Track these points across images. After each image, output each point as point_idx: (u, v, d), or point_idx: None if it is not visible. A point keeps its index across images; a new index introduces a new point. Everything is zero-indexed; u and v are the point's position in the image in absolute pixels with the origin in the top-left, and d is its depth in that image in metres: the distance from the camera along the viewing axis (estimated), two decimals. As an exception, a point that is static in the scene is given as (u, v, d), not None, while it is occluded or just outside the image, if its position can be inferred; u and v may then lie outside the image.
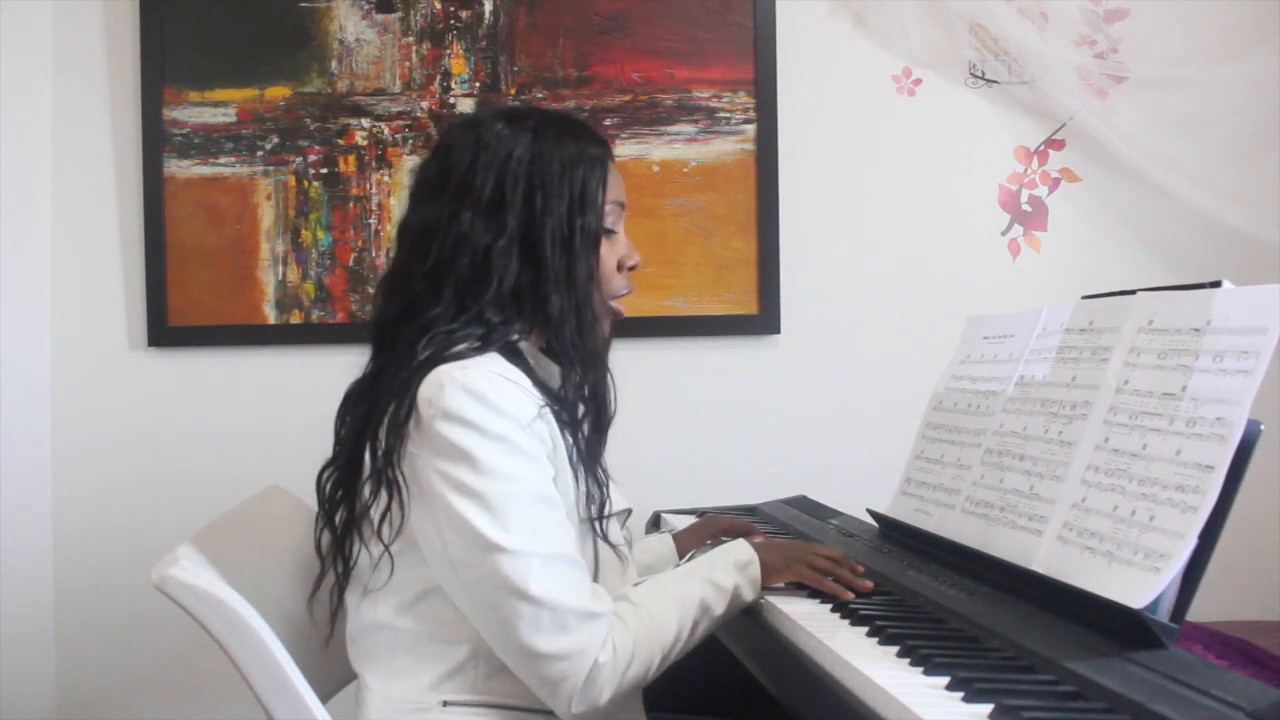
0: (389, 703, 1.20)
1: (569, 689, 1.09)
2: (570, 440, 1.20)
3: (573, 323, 1.21)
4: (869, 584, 1.27)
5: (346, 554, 1.22)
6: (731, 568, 1.26)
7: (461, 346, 1.17)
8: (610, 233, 1.27)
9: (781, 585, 1.31)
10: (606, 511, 1.24)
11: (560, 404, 1.20)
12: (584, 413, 1.23)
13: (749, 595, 1.27)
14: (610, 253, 1.28)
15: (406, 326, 1.20)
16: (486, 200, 1.20)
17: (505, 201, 1.20)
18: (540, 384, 1.20)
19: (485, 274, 1.19)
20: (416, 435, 1.13)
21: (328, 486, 1.24)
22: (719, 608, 1.23)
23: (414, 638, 1.19)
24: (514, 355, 1.21)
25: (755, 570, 1.28)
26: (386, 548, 1.17)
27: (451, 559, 1.12)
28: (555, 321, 1.21)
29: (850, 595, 1.24)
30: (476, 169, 1.21)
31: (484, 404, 1.11)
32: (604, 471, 1.27)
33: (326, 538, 1.24)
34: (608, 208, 1.26)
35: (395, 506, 1.15)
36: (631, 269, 1.31)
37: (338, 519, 1.22)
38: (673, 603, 1.19)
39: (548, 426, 1.17)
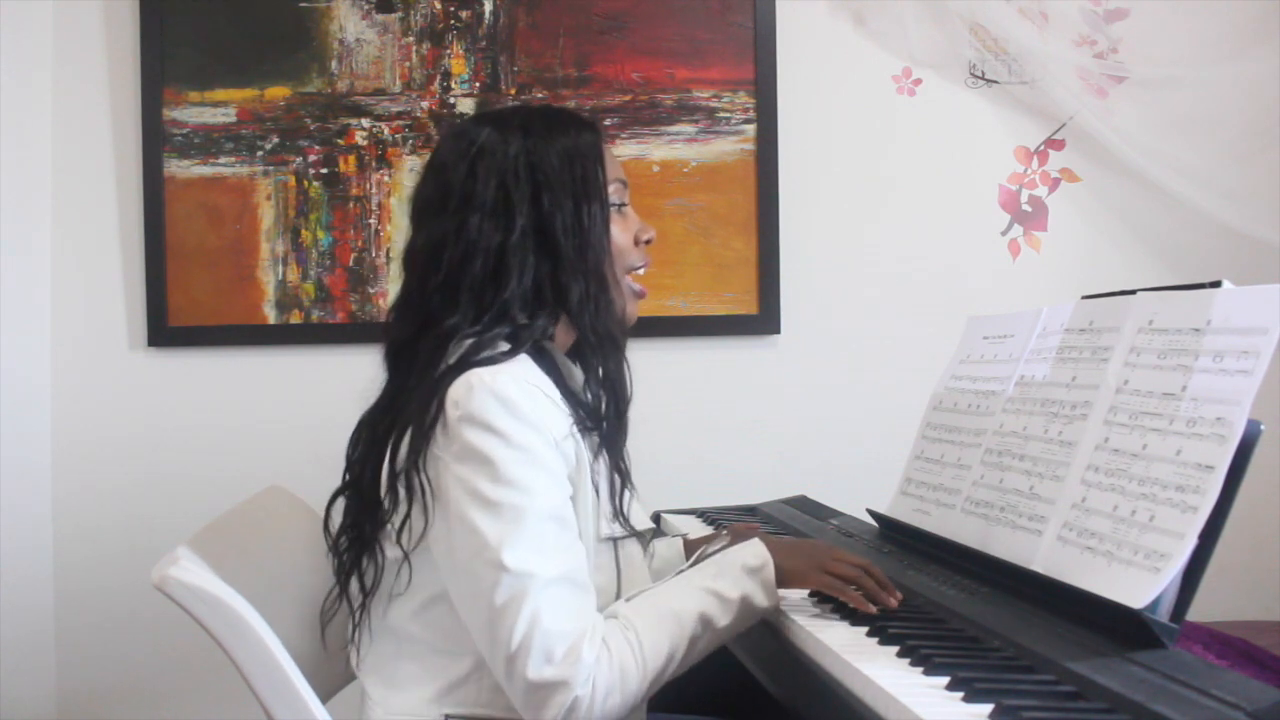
0: (390, 714, 1.19)
1: (549, 715, 1.07)
2: (594, 450, 1.19)
3: (592, 309, 1.21)
4: (894, 600, 1.17)
5: (364, 578, 1.21)
6: (740, 573, 1.18)
7: (493, 351, 1.16)
8: (621, 207, 1.28)
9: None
10: (627, 510, 1.22)
11: (584, 408, 1.20)
12: (605, 404, 1.23)
13: (764, 602, 1.18)
14: (625, 229, 1.29)
15: (424, 341, 1.19)
16: (492, 203, 1.20)
17: (511, 201, 1.20)
18: (568, 391, 1.20)
19: (502, 272, 1.19)
20: (442, 437, 1.12)
21: (341, 513, 1.22)
22: (723, 620, 1.15)
23: (418, 647, 1.19)
24: (542, 357, 1.20)
25: (770, 574, 1.18)
26: (407, 555, 1.15)
27: (455, 565, 1.12)
28: (576, 310, 1.21)
29: (874, 610, 1.15)
30: (476, 176, 1.21)
31: (511, 411, 1.10)
32: (626, 467, 1.26)
33: (339, 565, 1.23)
34: (611, 187, 1.26)
35: (417, 511, 1.13)
36: (648, 243, 1.32)
37: (355, 545, 1.21)
38: (667, 622, 1.13)
39: (575, 445, 1.16)
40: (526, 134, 1.23)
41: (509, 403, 1.11)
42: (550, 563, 1.09)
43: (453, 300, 1.19)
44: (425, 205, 1.25)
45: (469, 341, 1.17)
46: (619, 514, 1.21)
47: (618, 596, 1.22)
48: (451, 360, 1.15)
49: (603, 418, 1.22)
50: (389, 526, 1.17)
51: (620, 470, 1.23)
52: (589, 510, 1.18)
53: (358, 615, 1.23)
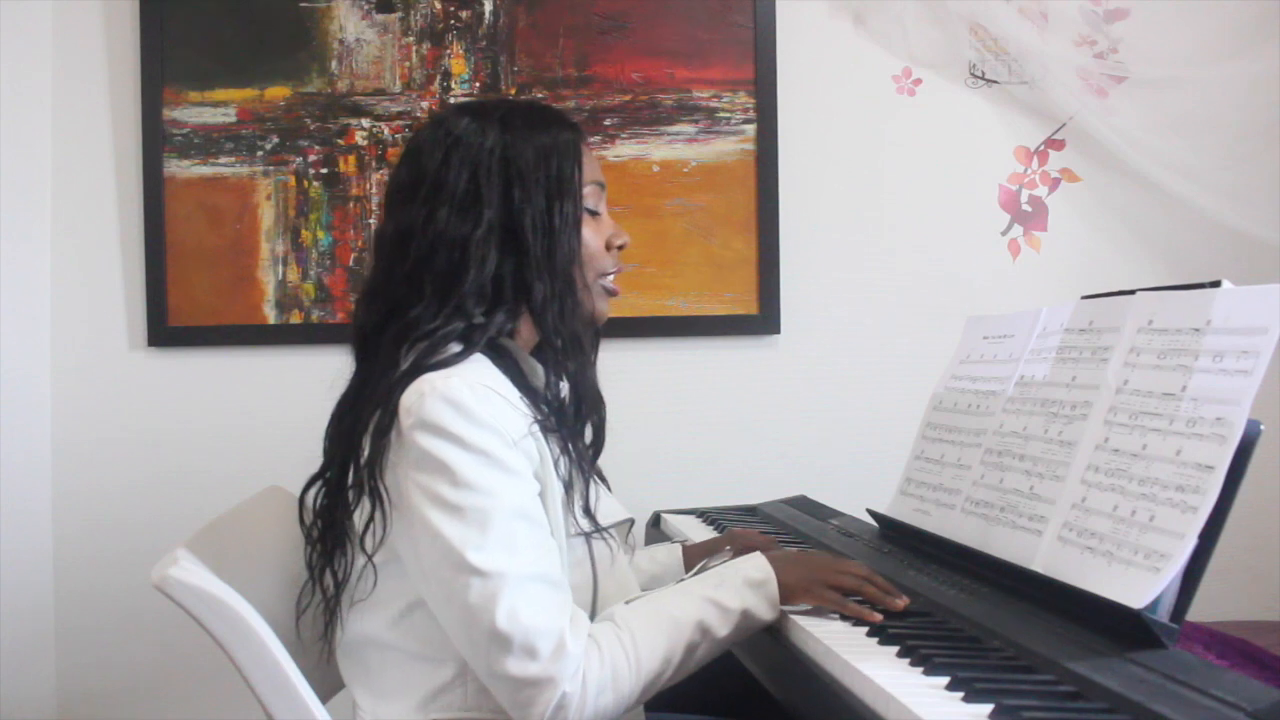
0: None
1: (537, 713, 1.06)
2: (560, 447, 1.18)
3: (555, 308, 1.20)
4: (900, 602, 1.17)
5: (335, 570, 1.21)
6: (742, 586, 1.17)
7: (445, 354, 1.15)
8: (594, 213, 1.27)
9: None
10: (594, 506, 1.22)
11: (548, 405, 1.19)
12: (571, 405, 1.22)
13: (766, 615, 1.18)
14: (597, 233, 1.27)
15: (388, 332, 1.18)
16: (461, 194, 1.19)
17: (480, 194, 1.19)
18: (528, 388, 1.19)
19: (463, 265, 1.18)
20: (397, 445, 1.11)
21: (316, 501, 1.22)
22: (722, 630, 1.15)
23: (401, 656, 1.18)
24: (499, 356, 1.20)
25: (772, 589, 1.18)
26: (369, 558, 1.15)
27: (425, 572, 1.11)
28: (539, 307, 1.19)
29: (878, 618, 1.14)
30: (449, 166, 1.20)
31: (464, 415, 1.09)
32: (599, 472, 1.26)
33: (314, 555, 1.22)
34: (587, 189, 1.25)
35: (378, 517, 1.13)
36: (620, 248, 1.30)
37: (327, 536, 1.21)
38: (664, 626, 1.13)
39: (536, 442, 1.15)
40: (505, 128, 1.22)
41: (461, 407, 1.09)
42: (522, 560, 1.08)
43: (417, 290, 1.18)
44: (398, 191, 1.24)
45: (422, 344, 1.16)
46: (586, 510, 1.20)
47: (594, 592, 1.21)
48: (404, 366, 1.14)
49: (565, 417, 1.20)
50: (354, 522, 1.17)
51: (582, 467, 1.21)
52: (558, 507, 1.17)
53: (331, 605, 1.22)
